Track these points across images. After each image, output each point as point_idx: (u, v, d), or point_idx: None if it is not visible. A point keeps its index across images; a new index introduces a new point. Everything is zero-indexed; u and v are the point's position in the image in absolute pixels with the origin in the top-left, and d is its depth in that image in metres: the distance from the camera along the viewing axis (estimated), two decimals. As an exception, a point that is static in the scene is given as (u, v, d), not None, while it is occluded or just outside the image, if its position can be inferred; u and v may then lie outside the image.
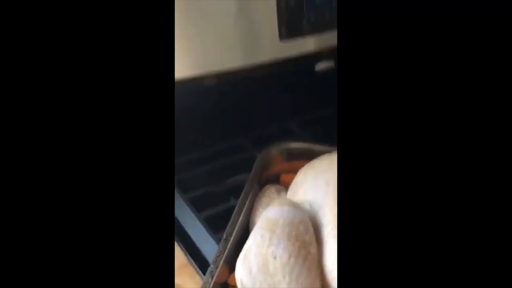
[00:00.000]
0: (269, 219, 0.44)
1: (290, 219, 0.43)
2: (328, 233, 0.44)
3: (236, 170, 0.63)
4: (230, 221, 0.49)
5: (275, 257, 0.42)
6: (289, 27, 0.62)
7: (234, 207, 0.51)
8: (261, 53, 0.63)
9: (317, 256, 0.43)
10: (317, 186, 0.47)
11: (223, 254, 0.45)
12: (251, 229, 0.51)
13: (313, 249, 0.43)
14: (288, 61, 0.65)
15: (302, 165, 0.54)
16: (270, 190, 0.55)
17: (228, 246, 0.46)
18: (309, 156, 0.55)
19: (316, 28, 0.64)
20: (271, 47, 0.63)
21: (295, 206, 0.46)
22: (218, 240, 0.52)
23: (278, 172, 0.58)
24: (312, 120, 0.72)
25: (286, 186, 0.56)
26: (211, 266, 0.45)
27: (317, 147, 0.58)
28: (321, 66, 0.69)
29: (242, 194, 0.52)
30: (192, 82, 0.61)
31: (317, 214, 0.46)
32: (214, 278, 0.43)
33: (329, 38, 0.66)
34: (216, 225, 0.55)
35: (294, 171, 0.55)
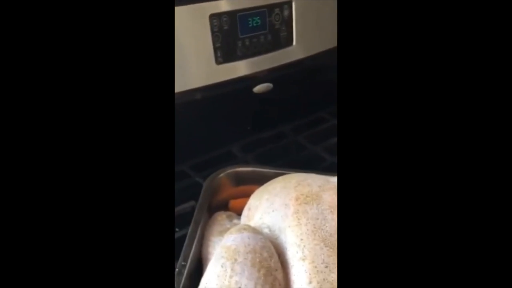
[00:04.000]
0: (228, 247, 0.42)
1: (252, 245, 0.42)
2: (294, 256, 0.42)
3: (178, 199, 0.60)
4: (182, 253, 0.46)
5: (240, 287, 0.40)
6: (224, 51, 0.62)
7: (180, 237, 0.49)
8: (198, 78, 0.62)
9: (284, 282, 0.41)
10: (274, 210, 0.46)
11: (179, 289, 0.42)
12: (205, 260, 0.48)
13: (279, 275, 0.41)
14: (225, 84, 0.64)
15: (252, 190, 0.53)
16: (221, 217, 0.53)
17: (183, 281, 0.44)
18: (258, 180, 0.54)
19: (251, 52, 0.64)
20: (208, 72, 0.62)
21: (255, 231, 0.44)
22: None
23: (227, 197, 0.56)
24: (253, 143, 0.72)
25: (236, 212, 0.54)
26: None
27: (265, 170, 0.57)
28: (259, 88, 0.69)
29: (192, 223, 0.50)
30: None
31: (278, 238, 0.44)
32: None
33: (266, 61, 0.67)
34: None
35: (244, 196, 0.53)
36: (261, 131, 0.73)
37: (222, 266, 0.40)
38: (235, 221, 0.53)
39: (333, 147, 0.72)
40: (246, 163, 0.66)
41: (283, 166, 0.64)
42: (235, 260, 0.40)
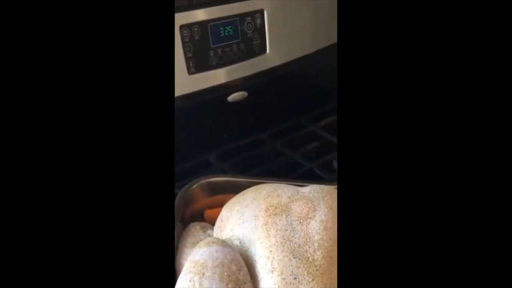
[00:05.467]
0: (196, 261, 0.42)
1: (220, 259, 0.41)
2: (263, 269, 0.42)
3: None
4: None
5: (208, 302, 0.39)
6: (196, 61, 0.62)
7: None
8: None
9: (253, 295, 0.42)
10: (244, 221, 0.46)
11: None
12: (178, 272, 0.48)
13: (248, 288, 0.41)
14: (199, 94, 0.64)
15: (226, 199, 0.53)
16: (195, 228, 0.53)
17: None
18: (232, 189, 0.54)
19: (224, 61, 0.64)
20: (181, 82, 0.62)
21: (224, 244, 0.44)
22: None
23: (202, 207, 0.56)
24: (230, 151, 0.71)
25: (211, 222, 0.54)
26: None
27: (240, 179, 0.57)
28: (234, 97, 0.69)
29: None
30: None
31: (248, 250, 0.44)
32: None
33: (240, 70, 0.67)
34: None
35: (219, 206, 0.53)
36: (238, 139, 0.73)
37: (190, 281, 0.40)
38: (209, 232, 0.53)
39: (310, 153, 0.73)
40: (223, 171, 0.66)
41: (260, 173, 0.64)
42: (203, 274, 0.40)
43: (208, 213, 0.56)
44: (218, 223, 0.51)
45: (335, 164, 0.69)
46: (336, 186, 0.50)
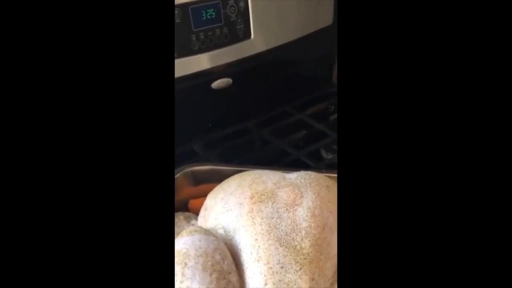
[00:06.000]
0: (179, 251, 0.40)
1: (203, 248, 0.40)
2: (248, 258, 0.40)
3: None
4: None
5: (191, 293, 0.38)
6: (178, 46, 0.60)
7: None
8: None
9: (239, 285, 0.40)
10: (229, 209, 0.44)
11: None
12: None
13: (233, 278, 0.39)
14: (182, 80, 0.62)
15: (211, 188, 0.51)
16: (179, 219, 0.51)
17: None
18: (217, 178, 0.52)
19: (207, 46, 0.62)
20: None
21: (207, 232, 0.42)
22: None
23: (186, 197, 0.54)
24: (216, 139, 0.70)
25: (195, 213, 0.52)
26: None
27: (224, 168, 0.55)
28: (218, 83, 0.67)
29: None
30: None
31: (232, 238, 0.42)
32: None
33: (223, 55, 0.65)
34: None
35: (203, 195, 0.51)
36: (223, 128, 0.71)
37: (173, 272, 0.39)
38: (193, 222, 0.51)
39: (298, 142, 0.72)
40: (208, 161, 0.65)
41: (246, 162, 0.62)
42: (185, 264, 0.39)
43: (192, 203, 0.54)
44: (202, 212, 0.49)
45: (323, 153, 0.68)
46: (324, 174, 0.49)
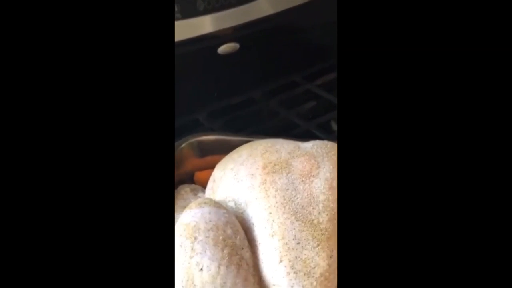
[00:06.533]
0: (187, 224, 0.37)
1: (214, 222, 0.37)
2: (261, 233, 0.38)
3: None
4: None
5: (201, 269, 0.35)
6: (182, 6, 0.57)
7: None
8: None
9: (252, 262, 0.37)
10: (239, 180, 0.41)
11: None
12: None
13: (246, 254, 0.37)
14: (185, 43, 0.58)
15: (218, 160, 0.48)
16: (185, 191, 0.49)
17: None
18: (224, 149, 0.50)
19: (212, 6, 0.59)
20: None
21: (217, 205, 0.39)
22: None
23: (191, 169, 0.52)
24: (221, 109, 0.67)
25: (202, 185, 0.50)
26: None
27: (231, 138, 0.52)
28: (224, 48, 0.63)
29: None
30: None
31: (244, 212, 0.40)
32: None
33: (229, 18, 0.61)
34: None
35: (210, 167, 0.49)
36: (229, 97, 0.68)
37: (181, 246, 0.36)
38: (200, 194, 0.49)
39: (307, 113, 0.69)
40: (213, 131, 0.62)
41: (253, 133, 0.60)
42: (195, 238, 0.36)
43: (198, 175, 0.52)
44: (210, 184, 0.46)
45: (333, 125, 0.65)
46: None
